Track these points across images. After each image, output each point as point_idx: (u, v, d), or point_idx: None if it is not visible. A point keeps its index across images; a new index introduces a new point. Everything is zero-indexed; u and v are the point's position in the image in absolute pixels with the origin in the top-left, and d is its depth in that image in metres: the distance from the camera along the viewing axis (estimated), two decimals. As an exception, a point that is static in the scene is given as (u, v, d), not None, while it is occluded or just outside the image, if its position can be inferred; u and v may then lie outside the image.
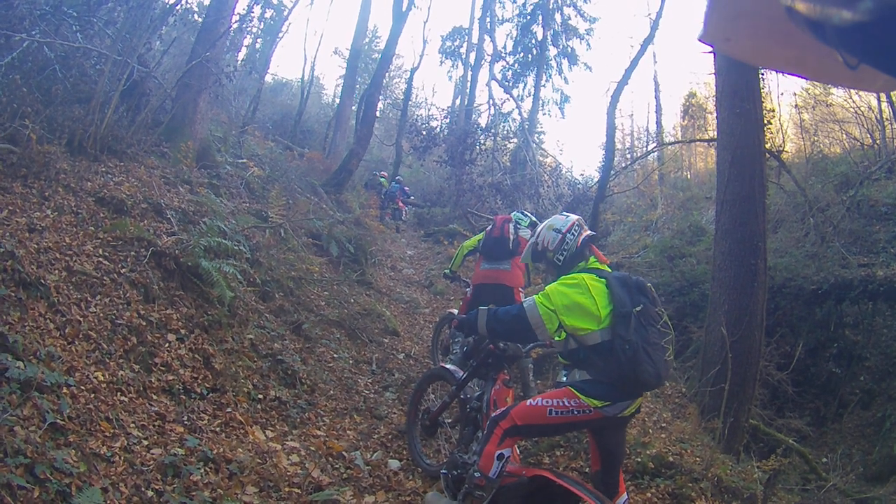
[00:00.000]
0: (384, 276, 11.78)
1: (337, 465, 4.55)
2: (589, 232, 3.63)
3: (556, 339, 3.35)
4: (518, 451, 3.95)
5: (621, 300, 3.18)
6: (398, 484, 4.48)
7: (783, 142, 20.22)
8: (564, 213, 3.79)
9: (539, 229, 3.74)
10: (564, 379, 3.42)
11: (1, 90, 6.02)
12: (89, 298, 4.52)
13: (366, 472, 4.56)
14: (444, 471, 3.75)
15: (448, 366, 4.76)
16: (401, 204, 17.82)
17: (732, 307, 6.99)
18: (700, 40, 0.77)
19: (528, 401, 3.39)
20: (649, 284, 3.42)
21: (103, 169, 6.70)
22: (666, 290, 12.45)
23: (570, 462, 4.89)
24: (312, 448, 4.57)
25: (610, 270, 3.49)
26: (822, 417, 10.14)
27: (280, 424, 4.84)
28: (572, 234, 3.56)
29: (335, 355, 6.69)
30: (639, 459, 4.80)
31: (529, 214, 6.74)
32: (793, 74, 0.93)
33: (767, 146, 8.92)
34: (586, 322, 3.17)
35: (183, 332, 4.99)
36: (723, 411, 6.25)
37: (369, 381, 6.52)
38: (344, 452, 4.73)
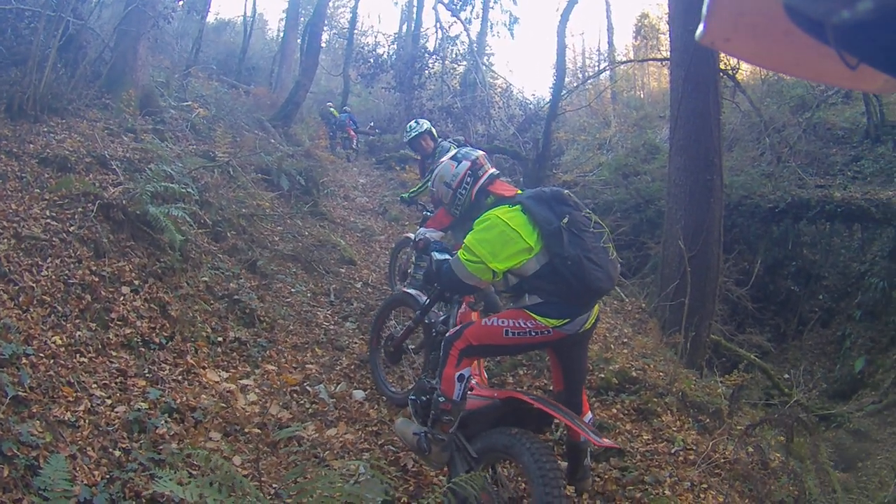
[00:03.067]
0: (337, 206, 11.52)
1: (302, 401, 4.55)
2: (488, 174, 3.30)
3: (497, 280, 3.05)
4: (485, 374, 3.91)
5: (545, 218, 2.92)
6: (363, 414, 4.49)
7: (738, 63, 20.02)
8: (457, 155, 3.38)
9: (433, 176, 3.42)
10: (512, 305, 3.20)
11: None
12: (40, 262, 4.34)
13: (331, 404, 4.57)
14: (412, 396, 3.60)
15: (410, 290, 4.58)
16: (351, 132, 17.28)
17: (689, 222, 6.93)
18: (700, 41, 0.76)
19: (484, 320, 3.20)
20: (566, 192, 3.11)
21: (45, 129, 6.39)
22: (621, 207, 12.57)
23: (534, 381, 4.92)
24: (269, 386, 4.52)
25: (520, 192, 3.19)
26: (783, 334, 10.41)
27: (242, 365, 4.78)
28: (464, 188, 3.28)
29: (292, 290, 6.58)
30: (602, 375, 4.81)
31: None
32: (793, 75, 0.93)
33: (722, 66, 8.76)
34: (519, 256, 2.93)
35: (137, 282, 4.81)
36: (684, 326, 6.23)
37: (328, 312, 6.44)
38: (308, 387, 4.71)
